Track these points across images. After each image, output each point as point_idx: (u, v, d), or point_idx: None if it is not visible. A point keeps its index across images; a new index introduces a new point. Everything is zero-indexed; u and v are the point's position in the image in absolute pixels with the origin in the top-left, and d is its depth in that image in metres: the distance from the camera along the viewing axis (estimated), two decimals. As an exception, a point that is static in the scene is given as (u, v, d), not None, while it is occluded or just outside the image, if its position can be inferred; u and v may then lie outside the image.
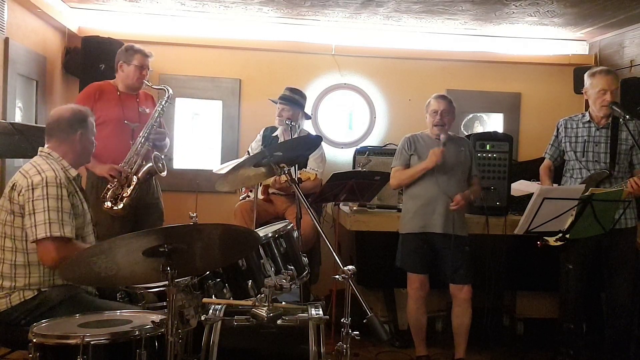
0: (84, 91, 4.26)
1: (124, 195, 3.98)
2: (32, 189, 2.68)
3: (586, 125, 3.97)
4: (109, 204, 3.94)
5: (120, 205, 3.96)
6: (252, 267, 2.98)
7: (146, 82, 4.22)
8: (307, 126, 5.23)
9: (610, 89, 3.83)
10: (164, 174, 4.13)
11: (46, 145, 2.89)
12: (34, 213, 2.65)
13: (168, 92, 4.25)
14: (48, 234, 2.62)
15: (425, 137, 4.08)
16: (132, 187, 3.99)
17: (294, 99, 4.69)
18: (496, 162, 4.57)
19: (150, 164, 4.03)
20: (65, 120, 2.89)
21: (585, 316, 4.12)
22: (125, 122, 4.12)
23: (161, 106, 4.21)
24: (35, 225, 2.64)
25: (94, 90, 4.18)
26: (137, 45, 4.24)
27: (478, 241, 4.18)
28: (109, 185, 3.98)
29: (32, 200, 2.66)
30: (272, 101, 4.78)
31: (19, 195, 2.70)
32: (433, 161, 3.86)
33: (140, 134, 4.10)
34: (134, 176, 4.01)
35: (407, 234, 4.01)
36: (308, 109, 5.10)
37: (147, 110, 4.26)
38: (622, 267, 3.89)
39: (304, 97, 4.81)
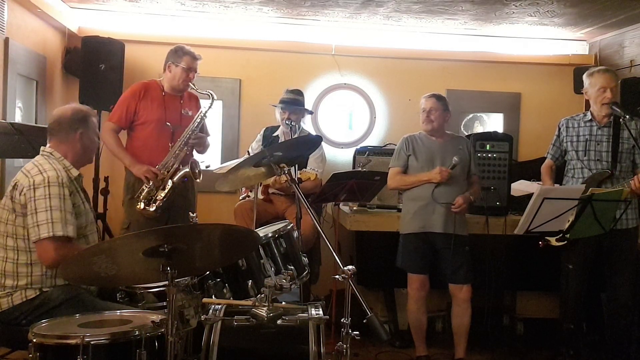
0: (131, 88, 4.26)
1: (157, 197, 3.99)
2: (34, 188, 2.68)
3: (588, 124, 3.97)
4: (142, 204, 3.97)
5: (153, 208, 3.98)
6: (252, 267, 2.98)
7: (192, 84, 4.20)
8: (307, 126, 5.23)
9: (610, 86, 3.84)
10: (199, 180, 4.14)
11: (48, 145, 2.90)
12: (36, 212, 2.65)
13: (213, 98, 4.21)
14: (51, 234, 2.63)
15: (423, 138, 4.09)
16: (166, 191, 4.00)
17: (296, 101, 4.70)
18: (496, 162, 4.57)
19: (187, 169, 4.05)
20: (66, 119, 2.89)
21: (585, 316, 4.13)
22: (167, 124, 4.12)
23: (204, 112, 4.19)
24: (37, 225, 2.64)
25: (140, 88, 4.19)
26: (187, 47, 4.22)
27: (478, 241, 4.18)
28: (144, 186, 4.00)
29: (34, 200, 2.66)
30: (275, 107, 4.76)
31: (20, 194, 2.70)
32: (437, 179, 3.89)
33: (180, 138, 4.09)
34: (170, 180, 4.02)
35: (407, 234, 4.01)
36: (308, 108, 5.11)
37: (190, 113, 4.25)
38: (623, 267, 3.89)
39: (303, 95, 4.82)
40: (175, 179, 4.04)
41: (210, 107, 4.22)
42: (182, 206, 4.20)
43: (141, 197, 3.99)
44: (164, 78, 4.25)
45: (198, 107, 4.34)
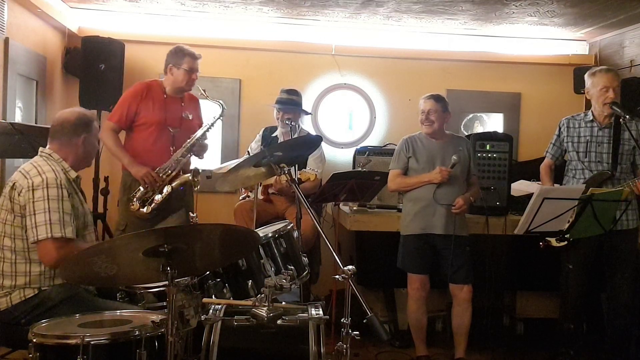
0: (133, 87, 4.22)
1: (153, 200, 3.97)
2: (33, 190, 2.67)
3: (588, 125, 3.97)
4: (136, 204, 3.95)
5: (148, 210, 3.96)
6: (252, 267, 2.98)
7: (202, 91, 4.14)
8: (307, 126, 5.23)
9: (612, 86, 3.84)
10: (197, 188, 4.09)
11: (48, 146, 2.89)
12: (35, 214, 2.65)
13: (223, 108, 4.18)
14: (49, 235, 2.62)
15: (423, 139, 4.08)
16: (163, 195, 3.98)
17: (291, 101, 4.69)
18: (496, 162, 4.57)
19: (188, 177, 4.01)
20: (70, 124, 2.90)
21: (585, 316, 4.13)
22: (169, 128, 4.10)
23: (213, 122, 4.16)
24: (36, 226, 2.64)
25: (142, 88, 4.16)
26: (186, 47, 4.18)
27: (478, 241, 4.18)
28: (140, 187, 3.98)
29: (33, 202, 2.66)
30: (272, 106, 4.76)
31: (19, 195, 2.70)
32: (438, 179, 3.88)
33: (184, 144, 4.06)
34: (168, 185, 3.99)
35: (408, 235, 4.01)
36: (308, 109, 5.10)
37: (190, 116, 4.22)
38: (623, 267, 3.90)
39: (299, 95, 4.80)
40: (174, 184, 4.01)
41: (220, 117, 4.19)
42: (178, 208, 4.15)
43: (136, 197, 3.97)
44: (165, 80, 4.21)
45: (198, 109, 4.31)
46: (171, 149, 4.08)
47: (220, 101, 4.23)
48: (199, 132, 4.12)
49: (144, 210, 3.96)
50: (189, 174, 4.02)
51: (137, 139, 4.16)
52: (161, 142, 4.10)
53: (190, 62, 4.13)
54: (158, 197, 3.98)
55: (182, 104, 4.23)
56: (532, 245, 3.69)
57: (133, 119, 4.12)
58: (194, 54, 4.16)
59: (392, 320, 4.73)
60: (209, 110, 4.34)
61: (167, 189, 3.99)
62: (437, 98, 4.05)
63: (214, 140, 5.66)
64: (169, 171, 4.01)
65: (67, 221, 2.69)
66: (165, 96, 4.17)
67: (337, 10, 5.09)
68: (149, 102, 4.12)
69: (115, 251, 2.23)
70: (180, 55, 4.13)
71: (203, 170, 4.16)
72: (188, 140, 4.09)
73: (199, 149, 4.15)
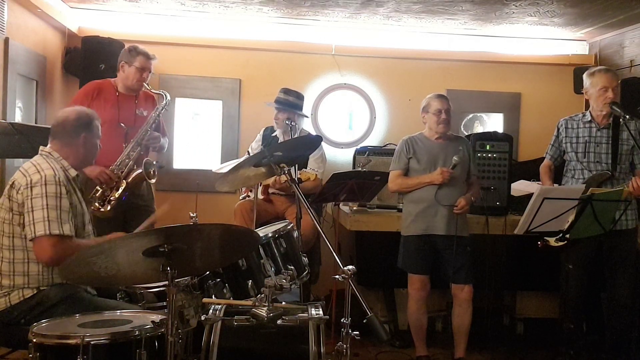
0: (82, 89, 4.25)
1: (111, 198, 3.95)
2: (31, 187, 2.67)
3: (587, 125, 3.97)
4: (96, 204, 3.93)
5: (107, 208, 3.93)
6: (252, 267, 2.98)
7: (145, 85, 4.18)
8: (307, 126, 5.22)
9: (612, 86, 3.83)
10: (153, 180, 4.08)
11: (48, 146, 2.89)
12: (33, 211, 2.65)
13: (166, 98, 4.21)
14: (47, 232, 2.62)
15: (423, 139, 4.07)
16: (120, 191, 3.96)
17: (287, 102, 4.67)
18: (496, 162, 4.57)
19: (140, 170, 3.99)
20: (70, 123, 2.90)
21: (585, 316, 4.12)
22: (121, 124, 4.09)
23: (157, 112, 4.17)
24: (33, 223, 2.63)
25: (92, 89, 4.17)
26: (141, 47, 4.20)
27: (478, 241, 4.18)
28: (97, 187, 3.96)
29: (31, 198, 2.66)
30: (269, 105, 4.76)
31: (17, 193, 2.70)
32: (439, 180, 3.87)
33: (134, 138, 4.06)
34: (123, 180, 3.98)
35: (409, 235, 4.00)
36: (308, 109, 5.09)
37: (145, 113, 4.23)
38: (623, 267, 3.89)
39: (299, 97, 4.78)
40: (129, 179, 3.99)
41: (164, 108, 4.20)
42: (140, 206, 4.16)
43: (96, 197, 3.94)
44: (117, 78, 4.22)
45: (154, 106, 4.29)
46: (123, 145, 4.07)
47: (164, 92, 4.23)
48: (146, 125, 4.11)
49: (104, 209, 3.93)
50: (141, 168, 3.99)
51: None
52: (114, 141, 4.04)
53: (142, 61, 4.13)
54: (115, 194, 3.96)
55: (136, 101, 4.23)
56: (532, 245, 3.69)
57: None
58: (148, 54, 4.17)
59: (392, 320, 4.73)
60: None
61: (123, 184, 3.97)
62: (446, 97, 4.08)
63: (214, 140, 5.69)
64: (123, 167, 4.00)
65: (64, 219, 2.68)
66: (117, 94, 4.18)
67: (337, 10, 5.09)
68: (100, 101, 4.11)
69: (115, 251, 2.23)
70: (133, 54, 4.15)
71: (156, 162, 4.12)
72: (137, 134, 4.07)
73: (151, 142, 4.14)
